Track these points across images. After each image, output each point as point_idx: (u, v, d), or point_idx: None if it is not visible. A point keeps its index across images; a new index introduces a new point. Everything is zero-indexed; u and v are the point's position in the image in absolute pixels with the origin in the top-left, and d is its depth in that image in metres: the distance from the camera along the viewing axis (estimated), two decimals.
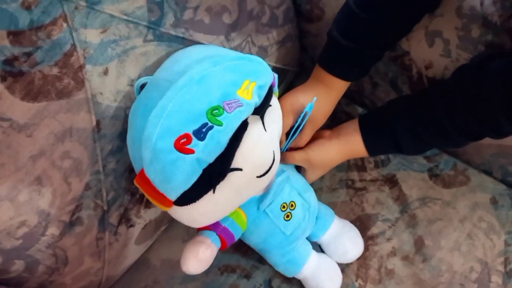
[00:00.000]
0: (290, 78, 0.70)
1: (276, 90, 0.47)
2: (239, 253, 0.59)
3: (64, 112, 0.40)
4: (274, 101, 0.46)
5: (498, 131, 0.44)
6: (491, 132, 0.45)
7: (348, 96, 0.70)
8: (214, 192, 0.40)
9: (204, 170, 0.37)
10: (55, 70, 0.38)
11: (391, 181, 0.62)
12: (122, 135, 0.44)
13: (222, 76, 0.39)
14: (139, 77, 0.44)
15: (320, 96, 0.53)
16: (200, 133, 0.36)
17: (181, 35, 0.46)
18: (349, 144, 0.54)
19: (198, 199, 0.39)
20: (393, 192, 0.61)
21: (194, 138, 0.36)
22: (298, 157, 0.53)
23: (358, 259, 0.57)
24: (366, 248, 0.57)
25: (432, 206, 0.60)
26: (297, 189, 0.53)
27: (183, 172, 0.36)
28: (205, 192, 0.39)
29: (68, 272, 0.48)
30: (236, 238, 0.50)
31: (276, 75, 0.46)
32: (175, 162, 0.36)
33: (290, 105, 0.52)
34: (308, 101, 0.52)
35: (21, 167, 0.38)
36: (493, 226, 0.58)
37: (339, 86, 0.54)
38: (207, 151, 0.36)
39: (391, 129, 0.50)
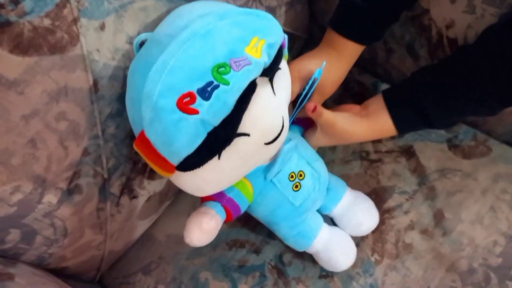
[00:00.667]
0: (299, 46, 0.67)
1: (285, 52, 0.44)
2: (248, 228, 0.57)
3: (58, 69, 0.37)
4: (284, 64, 0.43)
5: None
6: None
7: (360, 65, 0.66)
8: (219, 158, 0.37)
9: (209, 134, 0.34)
10: (46, 22, 0.35)
11: (408, 152, 0.59)
12: (122, 97, 0.41)
13: (228, 32, 0.36)
14: (138, 34, 0.41)
15: (330, 62, 0.49)
16: (205, 92, 0.34)
17: None
18: (379, 122, 0.48)
19: (202, 165, 0.37)
20: (410, 164, 0.58)
21: (198, 97, 0.33)
22: (326, 115, 0.47)
23: (374, 232, 0.54)
24: (382, 221, 0.54)
25: (452, 177, 0.56)
26: (306, 158, 0.49)
27: (187, 133, 0.34)
28: (210, 157, 0.37)
29: (68, 245, 0.46)
30: (242, 210, 0.48)
31: (286, 36, 0.42)
32: (178, 122, 0.34)
33: (297, 71, 0.49)
34: (317, 67, 0.48)
35: (12, 128, 0.36)
36: None
37: (352, 51, 0.50)
38: (212, 112, 0.34)
39: (419, 103, 0.45)
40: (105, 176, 0.45)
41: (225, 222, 0.46)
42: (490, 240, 0.52)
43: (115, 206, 0.48)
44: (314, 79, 0.47)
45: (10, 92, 0.35)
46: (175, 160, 0.36)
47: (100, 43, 0.39)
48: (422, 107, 0.45)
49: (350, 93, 0.65)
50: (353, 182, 0.57)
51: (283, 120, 0.41)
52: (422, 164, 0.58)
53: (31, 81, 0.35)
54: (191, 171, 0.37)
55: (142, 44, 0.40)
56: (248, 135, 0.38)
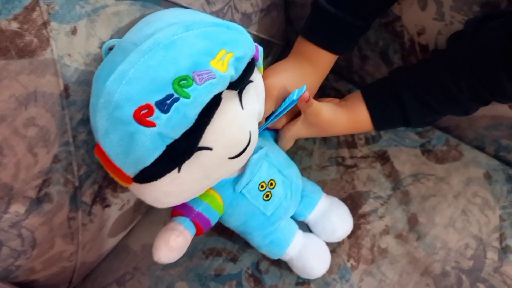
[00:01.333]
0: (276, 53, 0.67)
1: (260, 64, 0.43)
2: (225, 236, 0.56)
3: (27, 73, 0.36)
4: (257, 76, 0.42)
5: (503, 93, 0.42)
6: (496, 94, 0.42)
7: (336, 72, 0.67)
8: (179, 171, 0.36)
9: (168, 147, 0.33)
10: (14, 25, 0.34)
11: (383, 158, 0.60)
12: None
13: (194, 43, 0.35)
14: (111, 38, 0.40)
15: (305, 75, 0.49)
16: (164, 105, 0.33)
17: None
18: (356, 114, 0.49)
19: (160, 177, 0.36)
20: (385, 169, 0.59)
21: (156, 109, 0.32)
22: (315, 105, 0.46)
23: (350, 238, 0.54)
24: (358, 226, 0.55)
25: (425, 182, 0.58)
26: (277, 166, 0.49)
27: (142, 146, 0.33)
28: (168, 170, 0.36)
29: (37, 256, 0.44)
30: (213, 223, 0.47)
31: (261, 48, 0.42)
32: (134, 134, 0.33)
33: (274, 89, 0.47)
34: (294, 85, 0.47)
35: None
36: (488, 202, 0.56)
37: (326, 61, 0.50)
38: (170, 125, 0.33)
39: (397, 98, 0.46)
40: (76, 184, 0.44)
41: (196, 235, 0.46)
42: (462, 244, 0.53)
43: (87, 215, 0.47)
44: (291, 101, 0.45)
45: None
46: (131, 172, 0.35)
47: (71, 48, 0.38)
48: (400, 103, 0.46)
49: None
50: (329, 188, 0.58)
51: (250, 135, 0.40)
52: (396, 169, 0.59)
53: None
54: (148, 183, 0.36)
55: (111, 49, 0.39)
56: (210, 149, 0.37)
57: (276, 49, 0.66)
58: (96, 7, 0.39)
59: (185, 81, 0.33)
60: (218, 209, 0.47)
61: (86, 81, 0.40)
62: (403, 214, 0.56)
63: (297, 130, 0.50)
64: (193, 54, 0.34)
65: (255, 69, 0.41)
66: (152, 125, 0.32)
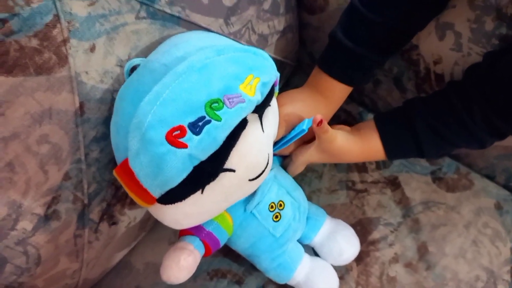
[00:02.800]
0: (288, 73, 0.67)
1: (276, 89, 0.44)
2: (231, 257, 0.55)
3: (43, 90, 0.35)
4: (274, 101, 0.43)
5: None
6: None
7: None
8: (202, 192, 0.36)
9: (195, 168, 0.33)
10: (34, 42, 0.34)
11: (393, 183, 0.59)
12: (108, 121, 0.40)
13: (225, 67, 0.35)
14: (129, 57, 0.40)
15: (318, 107, 0.50)
16: (196, 127, 0.33)
17: (177, 14, 0.42)
18: (369, 143, 0.48)
19: (184, 199, 0.36)
20: (395, 195, 0.58)
21: (188, 131, 0.33)
22: (330, 132, 0.46)
23: (358, 265, 0.53)
24: (367, 253, 0.54)
25: (436, 210, 0.57)
26: (286, 188, 0.49)
27: (173, 167, 0.33)
28: (193, 191, 0.36)
29: (41, 274, 0.43)
30: (222, 244, 0.46)
31: (278, 74, 0.42)
32: (165, 155, 0.33)
33: (286, 116, 0.48)
34: (306, 115, 0.48)
35: None
36: (499, 233, 0.55)
37: (340, 93, 0.51)
38: (201, 147, 0.33)
39: (411, 127, 0.46)
40: (85, 201, 0.43)
41: (204, 256, 0.45)
42: (472, 275, 0.52)
43: (94, 233, 0.46)
44: (301, 130, 0.46)
45: None
46: (157, 193, 0.34)
47: (89, 65, 0.37)
48: (414, 132, 0.46)
49: (336, 121, 0.65)
50: (338, 212, 0.57)
51: (268, 157, 0.40)
52: (407, 196, 0.58)
53: (14, 102, 0.34)
54: (172, 204, 0.36)
55: (133, 69, 0.38)
56: (233, 170, 0.37)
57: (288, 70, 0.66)
58: (116, 25, 0.39)
59: (216, 104, 0.33)
60: (228, 230, 0.46)
61: (101, 99, 0.40)
62: (413, 242, 0.55)
63: (310, 155, 0.50)
64: (224, 78, 0.35)
65: (273, 93, 0.41)
66: (184, 146, 0.33)
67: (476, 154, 0.59)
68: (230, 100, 0.34)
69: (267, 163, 0.40)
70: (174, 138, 0.33)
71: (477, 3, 0.45)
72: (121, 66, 0.40)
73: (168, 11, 0.41)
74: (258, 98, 0.36)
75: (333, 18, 0.56)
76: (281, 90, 0.51)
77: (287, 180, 0.50)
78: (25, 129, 0.35)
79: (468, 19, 0.46)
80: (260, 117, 0.39)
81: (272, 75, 0.39)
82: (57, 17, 0.34)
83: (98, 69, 0.39)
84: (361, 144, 0.48)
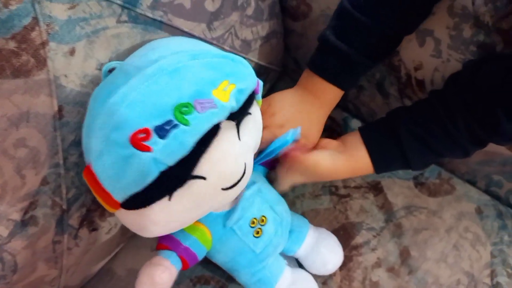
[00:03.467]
0: (273, 79, 0.67)
1: (259, 98, 0.43)
2: (214, 264, 0.54)
3: (21, 93, 0.35)
4: (255, 110, 0.42)
5: (501, 134, 0.42)
6: (494, 135, 0.43)
7: None
8: (170, 199, 0.35)
9: (161, 173, 0.32)
10: (11, 44, 0.33)
11: (376, 188, 0.59)
12: None
13: (198, 72, 0.35)
14: (109, 61, 0.40)
15: (312, 111, 0.49)
16: (162, 130, 0.32)
17: (159, 19, 0.42)
18: (356, 159, 0.48)
19: (148, 205, 0.34)
20: (378, 200, 0.59)
21: (154, 134, 0.32)
22: (312, 159, 0.46)
23: (341, 270, 0.53)
24: (350, 258, 0.54)
25: (418, 215, 0.57)
26: (269, 202, 0.47)
27: (136, 171, 0.32)
28: (159, 197, 0.34)
29: (17, 281, 0.42)
30: (200, 258, 0.45)
31: (261, 82, 0.42)
32: (128, 158, 0.32)
33: (278, 126, 0.47)
34: (298, 121, 0.47)
35: None
36: (479, 237, 0.56)
37: (332, 96, 0.50)
38: (167, 151, 0.32)
39: (395, 137, 0.46)
40: (64, 207, 0.42)
41: (181, 270, 0.44)
42: (453, 279, 0.53)
43: (73, 239, 0.45)
44: (285, 141, 0.45)
45: None
46: (120, 197, 0.34)
47: (68, 68, 0.37)
48: (398, 142, 0.46)
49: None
50: (322, 218, 0.57)
51: (245, 167, 0.39)
52: (389, 201, 0.59)
53: None
54: (137, 210, 0.35)
55: (111, 71, 0.38)
56: (204, 178, 0.35)
57: (273, 75, 0.67)
58: (96, 29, 0.38)
59: (186, 108, 0.33)
60: (206, 244, 0.45)
61: (81, 103, 0.39)
62: (396, 247, 0.55)
63: (295, 179, 0.50)
64: (197, 83, 0.34)
65: (254, 102, 0.41)
66: (148, 149, 0.32)
67: (458, 160, 0.60)
68: (201, 105, 0.33)
69: (244, 173, 0.39)
70: (139, 140, 0.32)
71: (455, 10, 0.46)
72: (101, 70, 0.39)
73: (150, 15, 0.41)
74: (233, 104, 0.35)
75: (316, 25, 0.57)
76: (266, 95, 0.51)
77: (271, 193, 0.49)
78: (2, 132, 0.35)
79: (447, 26, 0.47)
80: (238, 125, 0.38)
81: (251, 82, 0.38)
82: (35, 19, 0.34)
83: (78, 73, 0.38)
84: (348, 163, 0.48)
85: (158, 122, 0.32)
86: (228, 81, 0.35)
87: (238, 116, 0.37)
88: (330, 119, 0.66)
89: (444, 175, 0.61)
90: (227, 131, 0.37)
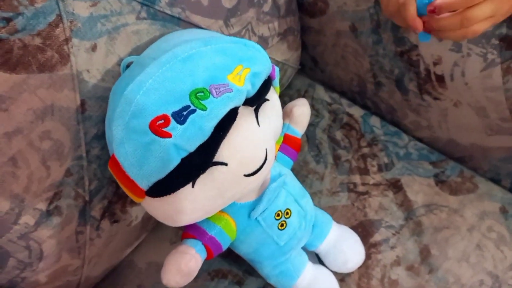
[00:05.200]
0: (290, 76, 0.68)
1: (276, 84, 0.43)
2: (231, 258, 0.55)
3: (46, 87, 0.36)
4: (273, 96, 0.42)
5: None
6: None
7: (349, 97, 0.67)
8: (193, 186, 0.35)
9: (183, 160, 0.33)
10: (37, 41, 0.35)
11: (395, 186, 0.59)
12: None
13: (211, 58, 0.35)
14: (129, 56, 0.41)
15: None
16: (181, 116, 0.32)
17: (177, 15, 0.43)
18: None
19: (173, 191, 0.35)
20: (397, 198, 0.58)
21: (172, 120, 0.32)
22: None
23: (360, 267, 0.53)
24: (369, 256, 0.53)
25: (438, 213, 0.56)
26: (294, 195, 0.47)
27: (157, 157, 0.32)
28: (183, 184, 0.35)
29: (43, 269, 0.44)
30: (224, 248, 0.45)
31: (277, 68, 0.42)
32: (149, 145, 0.32)
33: None
34: None
35: None
36: (503, 237, 0.54)
37: None
38: (186, 136, 0.32)
39: None
40: (87, 198, 0.44)
41: (206, 259, 0.44)
42: (476, 280, 0.51)
43: (95, 230, 0.47)
44: None
45: None
46: (145, 185, 0.34)
47: (90, 64, 0.39)
48: None
49: (339, 124, 0.65)
50: (340, 214, 0.57)
51: (266, 153, 0.38)
52: (409, 199, 0.58)
53: (17, 99, 0.35)
54: (162, 197, 0.35)
55: (129, 65, 0.39)
56: (225, 164, 0.36)
57: (290, 72, 0.67)
58: (117, 25, 0.40)
59: (202, 94, 0.33)
60: (231, 234, 0.45)
61: (102, 97, 0.41)
62: (415, 245, 0.54)
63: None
64: (210, 68, 0.34)
65: (272, 88, 0.41)
66: (168, 135, 0.32)
67: (480, 157, 0.58)
68: (217, 90, 0.33)
69: (265, 159, 0.39)
70: (158, 127, 0.32)
71: None
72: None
73: (168, 12, 0.43)
74: (248, 88, 0.35)
75: (333, 21, 0.57)
76: (283, 94, 0.51)
77: (296, 186, 0.49)
78: (28, 125, 0.36)
79: None
80: (256, 111, 0.39)
81: (265, 66, 0.38)
82: (59, 17, 0.36)
83: (100, 68, 0.40)
84: None
85: (176, 108, 0.32)
86: (242, 65, 0.35)
87: (255, 101, 0.37)
88: (349, 116, 0.66)
89: (466, 173, 0.60)
90: (246, 117, 0.37)
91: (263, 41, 0.55)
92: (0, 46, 0.33)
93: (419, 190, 0.58)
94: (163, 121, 0.32)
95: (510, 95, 0.49)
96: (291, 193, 0.47)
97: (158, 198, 0.35)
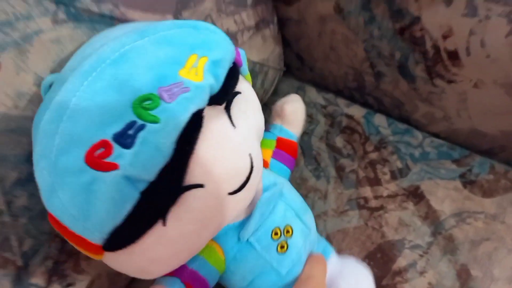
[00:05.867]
0: (273, 80, 0.58)
1: (245, 71, 0.34)
2: None
3: None
4: (245, 86, 0.33)
5: None
6: None
7: (347, 96, 0.57)
8: (165, 224, 0.27)
9: (143, 194, 0.25)
10: None
11: (415, 195, 0.48)
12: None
13: (153, 52, 0.27)
14: (52, 73, 0.32)
15: None
16: (126, 137, 0.24)
17: (108, 13, 0.34)
18: None
19: (137, 239, 0.27)
20: (419, 209, 0.47)
21: (115, 145, 0.24)
22: None
23: None
24: (393, 287, 0.43)
25: (473, 222, 0.46)
26: (295, 209, 0.38)
27: (106, 200, 0.25)
28: (149, 226, 0.26)
29: None
30: (211, 284, 0.36)
31: (242, 51, 0.33)
32: (90, 186, 0.24)
33: None
34: None
35: None
36: None
37: None
38: (139, 163, 0.24)
39: None
40: (19, 263, 0.34)
41: None
42: None
43: None
44: None
45: None
46: (98, 239, 0.26)
47: None
48: None
49: (338, 127, 0.55)
50: (352, 239, 0.46)
51: (251, 159, 0.30)
52: (434, 209, 0.47)
53: None
54: (126, 248, 0.27)
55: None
56: (201, 186, 0.27)
57: (273, 75, 0.57)
58: (27, 33, 0.30)
59: (149, 102, 0.25)
60: (218, 266, 0.36)
61: (20, 130, 0.31)
62: (450, 266, 0.43)
63: None
64: (154, 66, 0.26)
65: (241, 77, 0.32)
66: (113, 167, 0.24)
67: None
68: (169, 93, 0.25)
69: (251, 168, 0.30)
70: (98, 159, 0.24)
71: None
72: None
73: (96, 9, 0.33)
74: (211, 82, 0.27)
75: (314, 4, 0.48)
76: (269, 101, 0.42)
77: (296, 198, 0.40)
78: None
79: None
80: (227, 110, 0.30)
81: (226, 50, 0.29)
82: None
83: (9, 92, 0.30)
84: None
85: (117, 128, 0.25)
86: (196, 55, 0.27)
87: (223, 97, 0.29)
88: (348, 117, 0.56)
89: (498, 168, 0.49)
90: (215, 120, 0.29)
91: (230, 38, 0.45)
92: None
93: (444, 196, 0.48)
94: (103, 149, 0.25)
95: None
96: (291, 206, 0.38)
97: (120, 251, 0.27)
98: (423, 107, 0.51)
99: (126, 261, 0.28)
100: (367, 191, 0.49)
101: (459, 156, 0.51)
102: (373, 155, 0.52)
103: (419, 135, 0.54)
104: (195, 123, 0.26)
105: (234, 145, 0.29)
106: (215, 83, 0.27)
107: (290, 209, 0.38)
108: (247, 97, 0.33)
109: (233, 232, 0.36)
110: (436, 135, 0.53)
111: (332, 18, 0.48)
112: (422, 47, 0.44)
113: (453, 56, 0.42)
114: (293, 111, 0.45)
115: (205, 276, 0.35)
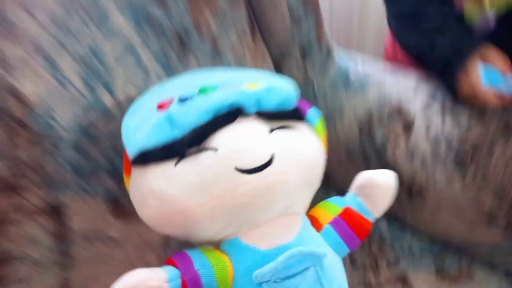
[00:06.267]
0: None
1: (313, 123, 0.42)
2: None
3: None
4: (303, 129, 0.40)
5: None
6: None
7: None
8: (176, 164, 0.34)
9: (173, 137, 0.35)
10: None
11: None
12: None
13: (237, 73, 0.48)
14: None
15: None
16: (184, 99, 0.37)
17: None
18: None
19: (154, 161, 0.35)
20: None
21: (176, 101, 0.37)
22: None
23: None
24: None
25: None
26: (326, 284, 0.34)
27: (150, 124, 0.35)
28: (164, 156, 0.35)
29: None
30: None
31: (316, 109, 0.43)
32: (149, 117, 0.37)
33: None
34: None
35: None
36: None
37: None
38: (181, 113, 0.35)
39: None
40: None
41: None
42: None
43: None
44: None
45: None
46: (132, 153, 0.36)
47: None
48: None
49: None
50: None
51: (272, 157, 0.34)
52: None
53: None
54: (142, 167, 0.35)
55: None
56: (215, 149, 0.34)
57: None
58: None
59: (211, 88, 0.39)
60: (222, 283, 0.34)
61: None
62: None
63: None
64: (230, 79, 0.43)
65: (306, 125, 0.40)
66: (164, 110, 0.36)
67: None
68: (226, 88, 0.38)
69: (269, 161, 0.34)
70: (163, 105, 0.38)
71: None
72: None
73: None
74: (259, 94, 0.37)
75: None
76: None
77: (336, 280, 0.36)
78: None
79: None
80: (271, 131, 0.37)
81: (286, 89, 0.40)
82: None
83: None
84: None
85: (183, 93, 0.38)
86: (264, 83, 0.39)
87: (269, 115, 0.37)
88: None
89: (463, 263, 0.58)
90: (255, 123, 0.37)
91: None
92: None
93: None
94: (169, 101, 0.38)
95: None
96: (323, 283, 0.34)
97: (138, 170, 0.36)
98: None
99: (138, 183, 0.36)
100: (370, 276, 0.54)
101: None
102: None
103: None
104: (234, 111, 0.36)
105: (260, 137, 0.36)
106: (263, 98, 0.37)
107: (319, 284, 0.34)
108: (301, 135, 0.39)
109: (251, 258, 0.35)
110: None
111: None
112: None
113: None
114: (382, 184, 0.40)
115: (204, 284, 0.34)
